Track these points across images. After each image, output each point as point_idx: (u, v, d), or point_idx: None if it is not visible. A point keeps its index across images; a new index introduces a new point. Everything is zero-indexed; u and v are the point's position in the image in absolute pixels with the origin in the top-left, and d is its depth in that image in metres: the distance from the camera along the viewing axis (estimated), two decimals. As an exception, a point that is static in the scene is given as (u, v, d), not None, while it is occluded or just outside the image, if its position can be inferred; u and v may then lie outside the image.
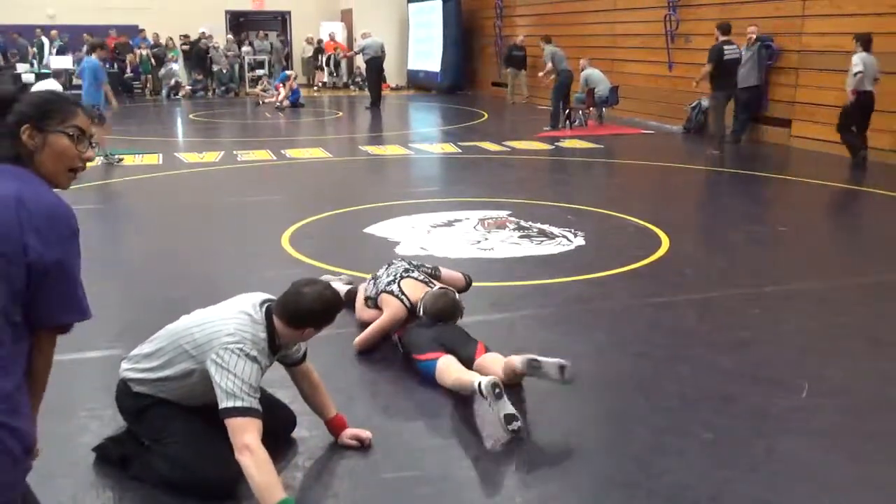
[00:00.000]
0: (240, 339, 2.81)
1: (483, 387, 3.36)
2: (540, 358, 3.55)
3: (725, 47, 10.91)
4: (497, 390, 3.33)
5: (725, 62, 10.88)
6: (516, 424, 3.29)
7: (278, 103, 17.50)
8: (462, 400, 3.72)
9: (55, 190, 2.01)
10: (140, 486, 2.97)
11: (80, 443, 3.22)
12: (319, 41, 23.77)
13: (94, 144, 2.11)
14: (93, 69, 10.24)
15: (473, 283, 4.98)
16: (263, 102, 18.37)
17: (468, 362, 3.80)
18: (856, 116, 9.95)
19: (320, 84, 23.58)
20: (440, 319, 4.08)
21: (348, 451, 3.24)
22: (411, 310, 4.27)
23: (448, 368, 3.72)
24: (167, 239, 6.84)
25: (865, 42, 9.76)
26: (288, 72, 19.16)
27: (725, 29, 10.98)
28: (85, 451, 3.15)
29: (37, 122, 1.98)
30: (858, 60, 9.64)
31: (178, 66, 20.86)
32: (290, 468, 3.14)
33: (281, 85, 18.13)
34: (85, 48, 12.60)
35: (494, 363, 3.75)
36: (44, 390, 2.06)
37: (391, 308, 4.29)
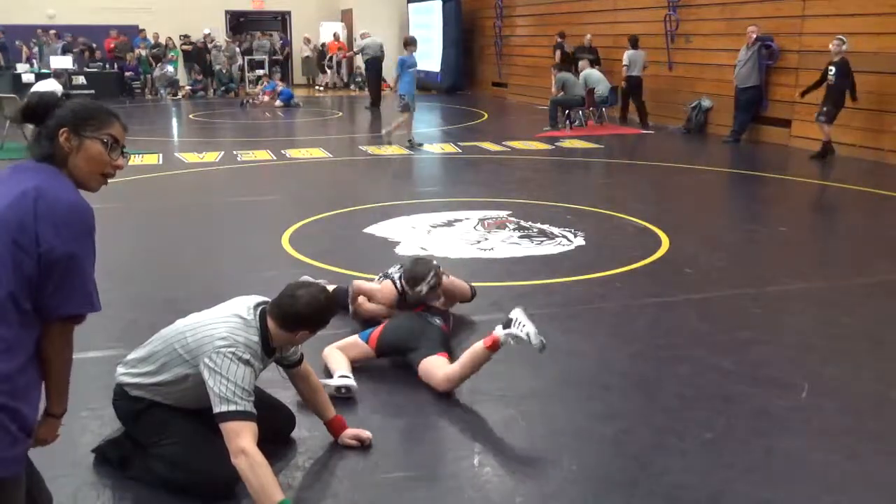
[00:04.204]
0: (232, 342, 2.80)
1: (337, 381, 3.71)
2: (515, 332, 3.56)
3: (565, 43, 15.94)
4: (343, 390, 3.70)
5: (566, 53, 15.71)
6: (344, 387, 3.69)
7: (252, 100, 18.85)
8: (461, 400, 3.73)
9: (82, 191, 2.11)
10: (140, 487, 2.98)
11: (80, 443, 3.22)
12: (323, 44, 23.73)
13: (126, 154, 2.20)
14: (403, 64, 11.83)
15: (473, 284, 5.02)
16: (251, 103, 18.55)
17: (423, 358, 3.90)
18: (629, 93, 14.42)
19: (324, 85, 23.55)
20: (415, 283, 4.15)
21: (348, 451, 3.24)
22: (402, 295, 4.36)
23: (329, 354, 3.96)
24: (167, 239, 6.85)
25: (633, 42, 14.15)
26: (277, 83, 19.33)
27: (563, 33, 16.22)
28: (85, 451, 3.16)
29: (74, 127, 2.09)
30: (626, 56, 14.14)
31: (172, 68, 20.82)
32: (290, 468, 3.14)
33: (270, 92, 18.64)
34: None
35: (437, 368, 3.78)
36: (64, 380, 2.12)
37: (384, 287, 4.47)
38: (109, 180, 2.20)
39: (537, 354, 4.25)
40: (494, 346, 3.57)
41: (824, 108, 10.22)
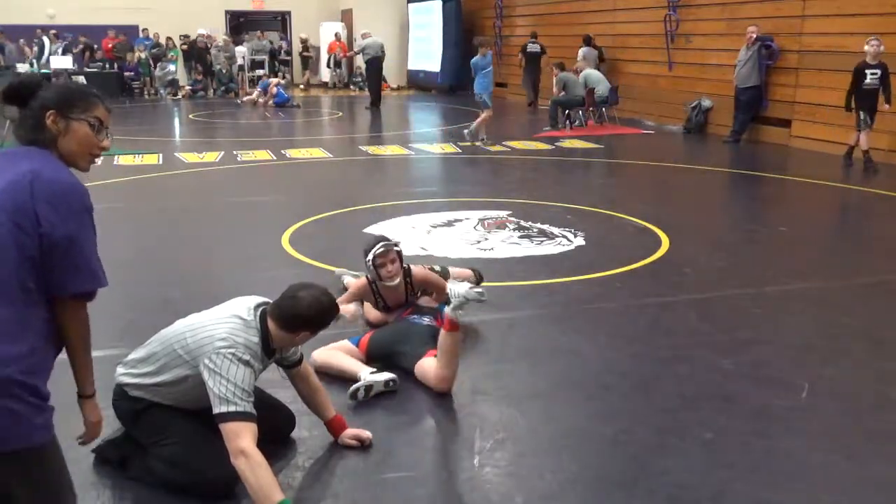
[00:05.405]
0: (231, 343, 2.80)
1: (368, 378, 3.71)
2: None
3: (529, 43, 17.23)
4: (391, 383, 3.74)
5: (528, 53, 17.26)
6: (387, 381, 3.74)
7: (245, 99, 19.10)
8: (462, 400, 3.73)
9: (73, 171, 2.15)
10: (140, 486, 2.98)
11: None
12: (305, 40, 23.84)
13: (110, 135, 2.24)
14: (475, 65, 12.23)
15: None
16: (245, 101, 18.75)
17: (415, 359, 3.90)
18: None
19: (304, 83, 23.68)
20: (365, 254, 4.34)
21: (348, 451, 3.24)
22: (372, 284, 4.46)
23: (332, 356, 3.94)
24: (167, 239, 6.84)
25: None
26: (271, 80, 19.32)
27: (535, 33, 17.52)
28: (85, 451, 3.14)
29: (61, 110, 2.13)
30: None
31: (174, 67, 20.84)
32: (290, 468, 3.14)
33: (263, 91, 18.62)
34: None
35: (429, 369, 3.81)
36: (88, 358, 2.20)
37: (358, 280, 4.58)
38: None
39: (537, 354, 4.28)
40: (453, 327, 3.63)
41: (873, 115, 9.60)
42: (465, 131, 12.36)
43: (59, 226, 1.99)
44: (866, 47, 9.55)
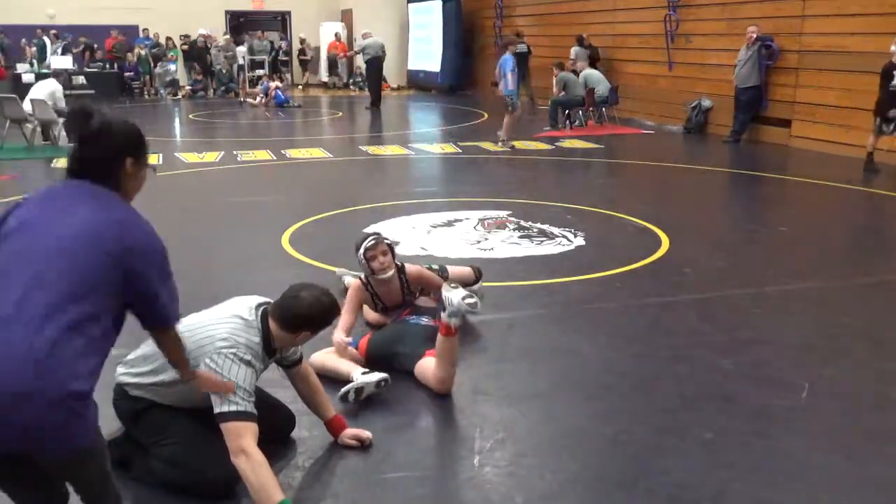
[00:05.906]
0: (233, 343, 2.80)
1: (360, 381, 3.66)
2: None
3: (519, 45, 15.81)
4: (383, 383, 3.69)
5: (517, 54, 15.23)
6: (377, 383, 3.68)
7: (246, 98, 19.37)
8: (462, 400, 3.73)
9: None
10: (140, 487, 2.98)
11: (80, 443, 3.22)
12: (302, 40, 23.90)
13: None
14: (505, 63, 11.75)
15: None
16: (247, 101, 18.81)
17: (413, 359, 3.90)
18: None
19: (304, 83, 23.70)
20: (356, 250, 4.31)
21: (348, 451, 3.24)
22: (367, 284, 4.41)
23: (327, 358, 3.92)
24: (167, 239, 6.78)
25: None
26: (271, 83, 19.34)
27: (520, 33, 17.32)
28: (85, 451, 3.15)
29: (138, 157, 2.35)
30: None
31: (174, 66, 20.85)
32: (290, 468, 3.14)
33: (264, 93, 18.70)
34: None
35: (428, 370, 3.82)
36: (183, 352, 2.57)
37: (352, 284, 4.48)
38: None
39: (537, 354, 4.28)
40: (449, 332, 3.62)
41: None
42: (500, 142, 11.92)
43: (144, 270, 2.21)
44: (893, 47, 9.17)
